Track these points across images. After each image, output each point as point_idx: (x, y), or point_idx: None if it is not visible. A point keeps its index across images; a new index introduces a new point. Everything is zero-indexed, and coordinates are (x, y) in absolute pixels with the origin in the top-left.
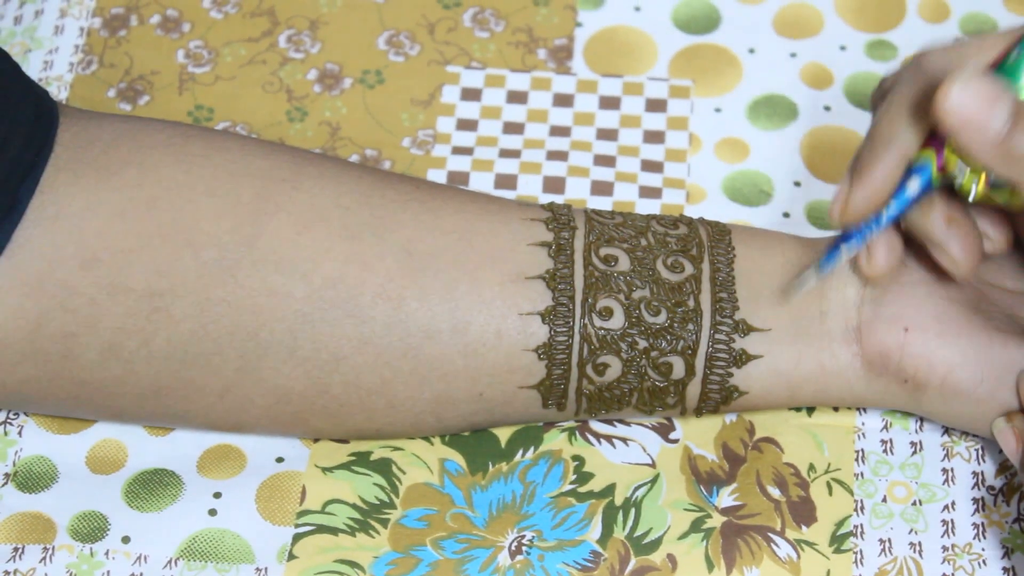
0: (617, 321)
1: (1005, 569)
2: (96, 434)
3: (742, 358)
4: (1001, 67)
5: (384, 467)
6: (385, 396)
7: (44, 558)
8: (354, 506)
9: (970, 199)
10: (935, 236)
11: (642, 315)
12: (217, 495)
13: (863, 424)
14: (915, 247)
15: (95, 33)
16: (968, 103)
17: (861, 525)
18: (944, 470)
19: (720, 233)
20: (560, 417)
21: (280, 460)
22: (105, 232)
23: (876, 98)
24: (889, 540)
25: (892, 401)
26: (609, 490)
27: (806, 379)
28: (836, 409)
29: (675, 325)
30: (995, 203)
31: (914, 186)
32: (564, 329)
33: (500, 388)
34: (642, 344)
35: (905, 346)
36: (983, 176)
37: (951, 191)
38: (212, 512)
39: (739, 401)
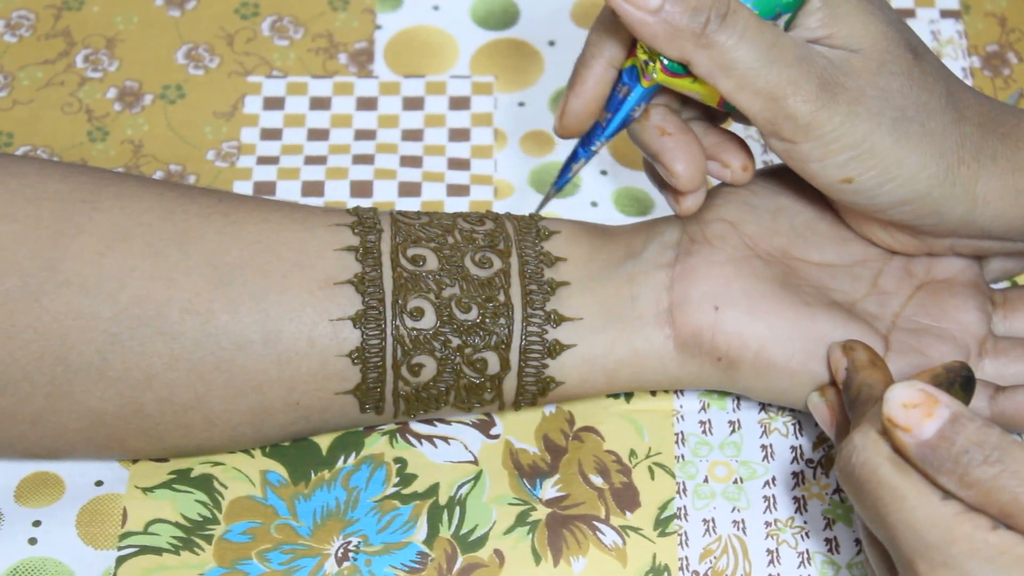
0: (428, 321)
1: (828, 540)
2: None
3: (555, 348)
4: None
5: (205, 483)
6: (201, 411)
7: None
8: (177, 524)
9: (652, 78)
10: (651, 147)
11: (453, 313)
12: (36, 523)
13: (681, 407)
14: (723, 228)
15: None
16: None
17: (684, 507)
18: (763, 446)
19: (527, 226)
20: (379, 421)
21: (99, 483)
22: None
23: None
24: (713, 520)
25: (707, 380)
26: (433, 490)
27: (621, 364)
28: (654, 394)
29: (487, 320)
30: (691, 94)
31: (624, 93)
32: (376, 332)
33: (316, 395)
34: (455, 342)
35: (716, 324)
36: (658, 61)
37: (672, 109)
38: (32, 541)
39: (557, 391)
